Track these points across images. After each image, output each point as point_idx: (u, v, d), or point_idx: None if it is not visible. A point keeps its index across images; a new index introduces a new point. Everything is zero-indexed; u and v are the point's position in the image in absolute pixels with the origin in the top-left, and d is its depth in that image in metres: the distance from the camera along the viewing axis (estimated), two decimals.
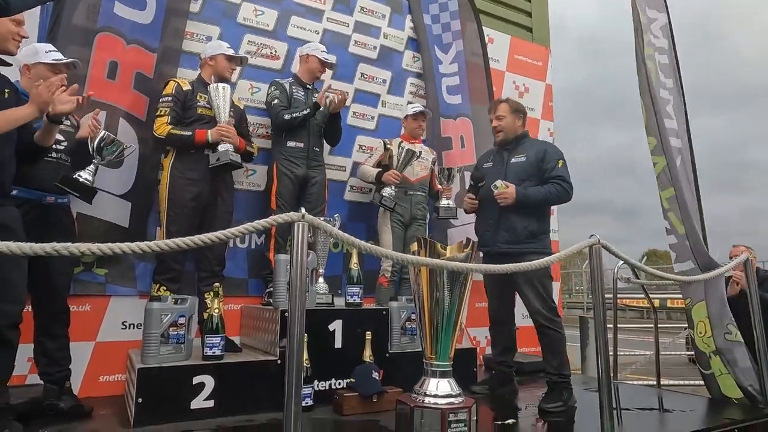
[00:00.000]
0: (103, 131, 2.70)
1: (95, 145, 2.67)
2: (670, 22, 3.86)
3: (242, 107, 3.61)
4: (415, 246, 2.26)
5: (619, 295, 5.36)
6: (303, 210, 1.65)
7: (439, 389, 2.13)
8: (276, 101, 3.67)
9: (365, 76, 4.58)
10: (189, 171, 3.17)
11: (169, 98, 3.21)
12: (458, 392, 2.15)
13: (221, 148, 3.16)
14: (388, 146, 4.03)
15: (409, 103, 4.41)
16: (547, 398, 2.95)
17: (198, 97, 3.27)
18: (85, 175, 2.63)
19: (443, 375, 2.16)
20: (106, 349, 3.19)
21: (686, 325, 4.00)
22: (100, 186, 3.17)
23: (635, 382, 5.05)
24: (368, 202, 4.30)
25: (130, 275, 3.33)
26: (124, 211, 3.29)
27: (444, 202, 4.01)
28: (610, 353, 3.21)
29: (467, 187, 3.82)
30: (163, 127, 3.15)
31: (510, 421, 2.67)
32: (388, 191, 3.83)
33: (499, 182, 3.08)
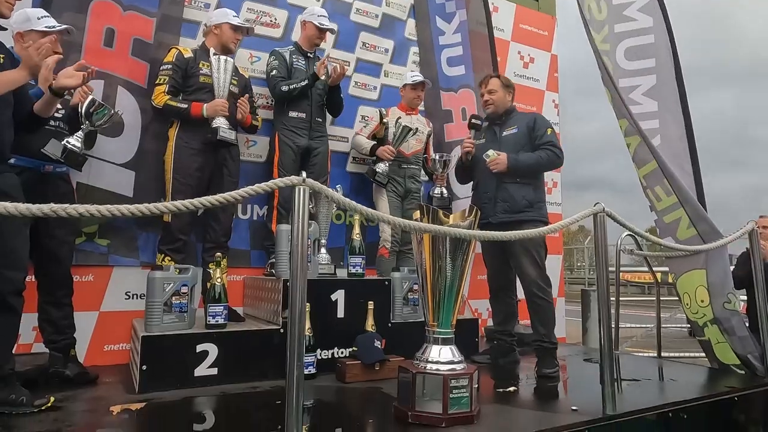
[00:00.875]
0: (90, 96, 2.62)
1: (83, 111, 2.60)
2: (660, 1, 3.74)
3: (248, 76, 3.55)
4: (417, 214, 2.24)
5: (621, 269, 5.36)
6: (304, 174, 1.62)
7: (441, 356, 2.13)
8: (274, 72, 3.61)
9: (367, 45, 4.49)
10: (194, 141, 3.14)
11: (169, 66, 3.16)
12: (460, 359, 2.15)
13: (214, 124, 3.11)
14: (385, 117, 3.95)
15: (411, 72, 4.30)
16: (543, 364, 3.01)
17: (200, 65, 3.21)
18: (72, 142, 2.57)
19: (445, 342, 2.16)
20: (110, 318, 3.22)
21: None
22: (101, 155, 3.16)
23: (636, 353, 5.09)
24: None
25: (132, 246, 3.33)
26: (127, 180, 3.27)
27: (437, 190, 3.97)
28: (612, 325, 3.24)
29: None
30: (160, 96, 3.10)
31: (511, 388, 2.70)
32: (381, 167, 3.78)
33: (490, 152, 3.13)
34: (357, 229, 3.30)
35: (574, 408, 2.28)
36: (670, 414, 2.39)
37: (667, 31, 3.65)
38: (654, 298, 4.48)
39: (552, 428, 2.04)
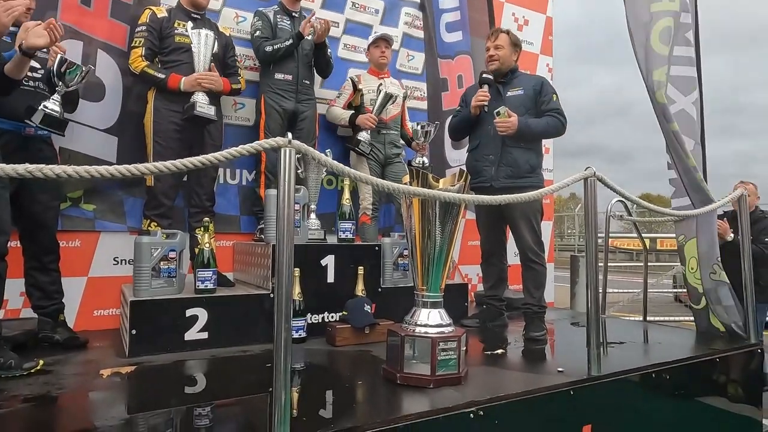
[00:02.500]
0: (60, 55, 2.47)
1: (55, 71, 2.47)
2: None
3: (229, 34, 3.43)
4: (407, 177, 2.21)
5: (610, 236, 5.40)
6: (290, 135, 1.58)
7: (430, 319, 2.14)
8: (258, 32, 3.49)
9: (357, 5, 4.35)
10: (173, 103, 3.05)
11: (144, 28, 3.04)
12: (448, 322, 2.17)
13: (192, 98, 3.01)
14: (358, 85, 3.84)
15: (375, 33, 4.09)
16: (532, 327, 3.06)
17: (176, 25, 3.09)
18: (50, 106, 2.44)
19: (434, 306, 2.17)
20: (99, 284, 3.21)
21: (675, 265, 4.07)
22: (83, 121, 3.08)
23: (622, 317, 5.19)
24: None
25: (119, 211, 3.28)
26: (111, 146, 3.21)
27: (419, 159, 3.90)
28: (600, 290, 3.27)
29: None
30: (138, 61, 3.00)
31: (499, 351, 2.74)
32: (364, 135, 3.68)
33: (502, 109, 3.00)
34: (347, 194, 3.28)
35: (560, 369, 2.32)
36: (653, 375, 2.45)
37: None
38: (642, 264, 4.55)
39: (537, 388, 2.07)
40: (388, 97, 3.70)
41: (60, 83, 2.49)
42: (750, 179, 3.49)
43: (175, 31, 3.08)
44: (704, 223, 3.23)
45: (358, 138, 3.68)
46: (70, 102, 2.70)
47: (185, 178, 3.26)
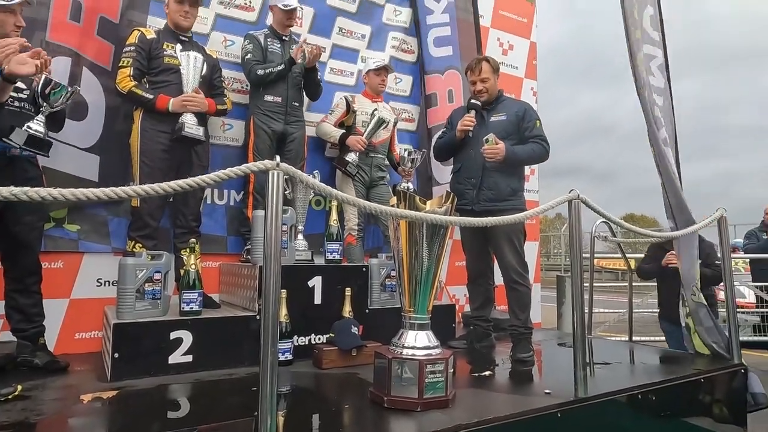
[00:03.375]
0: (44, 76, 2.45)
1: (39, 91, 2.46)
2: None
3: (216, 56, 3.46)
4: (394, 199, 2.23)
5: (596, 256, 5.46)
6: (278, 158, 1.59)
7: (417, 341, 2.14)
8: (249, 55, 3.54)
9: (344, 30, 4.43)
10: (161, 123, 3.04)
11: (132, 48, 3.05)
12: (436, 344, 2.17)
13: (181, 119, 3.02)
14: (352, 106, 3.89)
15: (373, 58, 4.21)
16: (518, 349, 3.06)
17: (164, 46, 3.11)
18: (34, 126, 2.42)
19: (421, 327, 2.17)
20: (82, 306, 3.15)
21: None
22: (65, 139, 3.06)
23: (608, 338, 5.22)
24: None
25: (103, 231, 3.25)
26: (92, 165, 3.19)
27: (404, 185, 3.94)
28: (586, 310, 3.30)
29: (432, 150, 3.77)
30: (125, 81, 2.99)
31: (487, 372, 2.73)
32: (352, 157, 3.72)
33: (490, 136, 3.05)
34: (334, 216, 3.29)
35: (547, 391, 2.32)
36: (639, 396, 2.46)
37: (660, 20, 3.64)
38: (627, 284, 4.60)
39: (525, 411, 2.07)
40: (381, 123, 3.76)
41: (44, 104, 2.48)
42: (732, 198, 3.58)
43: (164, 53, 3.10)
44: (686, 245, 3.29)
45: (346, 159, 3.71)
46: (55, 122, 2.69)
47: (171, 199, 3.25)
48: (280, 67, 3.49)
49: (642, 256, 4.41)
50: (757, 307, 6.25)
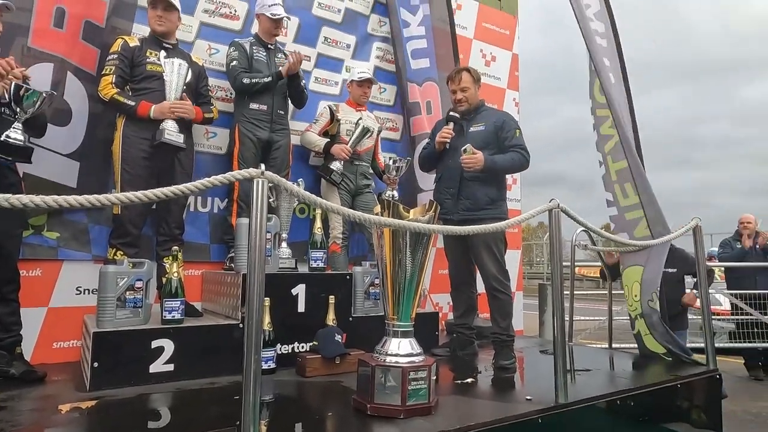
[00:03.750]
0: (14, 82, 2.42)
1: (12, 97, 2.43)
2: (608, 6, 3.88)
3: (201, 64, 3.46)
4: (378, 208, 2.25)
5: (577, 264, 5.55)
6: (263, 166, 1.60)
7: (401, 349, 2.15)
8: (235, 63, 3.54)
9: (329, 40, 4.46)
10: (143, 130, 3.03)
11: (115, 56, 3.04)
12: (419, 351, 2.18)
13: (161, 126, 3.01)
14: (336, 115, 3.90)
15: (359, 69, 4.23)
16: (501, 356, 3.09)
17: (148, 54, 3.10)
18: (12, 135, 2.39)
19: (405, 335, 2.19)
20: (60, 314, 3.10)
21: None
22: (46, 145, 3.03)
23: (589, 345, 5.29)
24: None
25: (83, 239, 3.21)
26: (72, 171, 3.15)
27: (388, 193, 3.97)
28: (566, 318, 3.35)
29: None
30: (108, 88, 2.98)
31: (469, 379, 2.75)
32: (336, 165, 3.75)
33: (468, 147, 3.08)
34: (318, 224, 3.30)
35: (528, 398, 2.35)
36: (618, 402, 2.51)
37: (614, 36, 3.79)
38: (606, 292, 4.68)
39: (506, 417, 2.09)
40: (365, 131, 3.79)
41: (18, 109, 2.45)
42: (707, 208, 3.72)
43: (147, 60, 3.09)
44: (656, 254, 3.41)
45: (331, 167, 3.73)
46: (36, 127, 2.66)
47: (154, 206, 3.23)
48: (267, 80, 3.49)
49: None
50: (732, 314, 6.39)
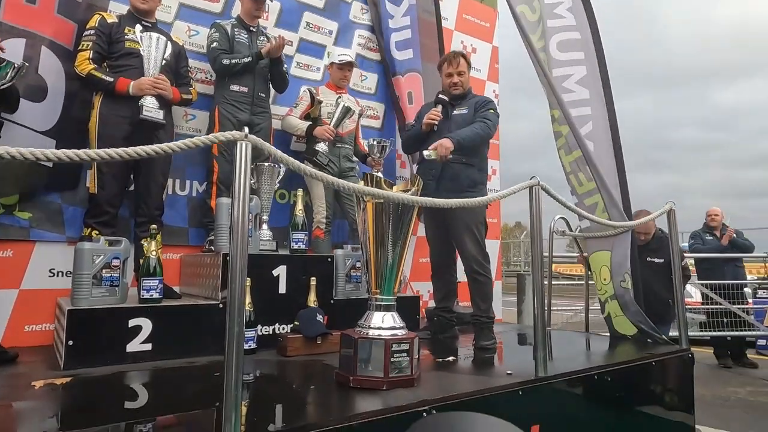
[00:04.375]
0: None
1: None
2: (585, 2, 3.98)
3: (182, 44, 3.40)
4: (361, 183, 2.25)
5: (553, 260, 5.63)
6: (246, 129, 1.59)
7: (384, 322, 2.15)
8: (215, 44, 3.50)
9: (311, 25, 4.44)
10: (121, 108, 2.95)
11: (92, 32, 2.97)
12: (402, 325, 2.19)
13: (140, 102, 2.94)
14: (317, 97, 3.87)
15: (339, 51, 4.23)
16: (481, 337, 3.11)
17: (126, 30, 3.04)
18: None
19: (387, 309, 2.19)
20: (32, 297, 3.01)
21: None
22: (21, 121, 2.94)
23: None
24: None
25: (57, 220, 3.12)
26: (48, 149, 3.05)
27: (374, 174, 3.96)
28: (545, 299, 3.40)
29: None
30: (84, 64, 2.91)
31: (450, 358, 2.77)
32: (322, 146, 3.71)
33: (425, 152, 3.06)
34: (300, 206, 3.28)
35: (508, 372, 2.38)
36: (596, 377, 2.55)
37: (590, 26, 3.87)
38: (581, 284, 4.77)
39: (488, 388, 2.12)
40: (346, 110, 3.77)
41: None
42: (679, 211, 3.76)
43: (126, 37, 3.02)
44: (621, 237, 3.52)
45: (316, 149, 3.70)
46: (8, 101, 2.58)
47: (131, 187, 3.16)
48: (246, 59, 3.46)
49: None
50: (703, 304, 6.59)
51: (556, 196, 2.53)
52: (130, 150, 1.37)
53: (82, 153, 1.29)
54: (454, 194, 3.14)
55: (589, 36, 3.91)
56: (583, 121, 3.65)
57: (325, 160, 3.69)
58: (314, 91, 3.90)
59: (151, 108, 2.94)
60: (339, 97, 3.88)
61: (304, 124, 3.82)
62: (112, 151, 1.34)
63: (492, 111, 3.26)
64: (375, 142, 3.89)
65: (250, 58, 3.46)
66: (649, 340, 3.35)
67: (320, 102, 3.81)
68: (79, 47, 2.97)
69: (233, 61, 3.44)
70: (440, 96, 3.34)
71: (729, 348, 6.54)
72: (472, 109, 3.26)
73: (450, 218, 3.18)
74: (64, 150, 1.28)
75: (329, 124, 3.75)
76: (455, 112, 3.30)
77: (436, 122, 3.25)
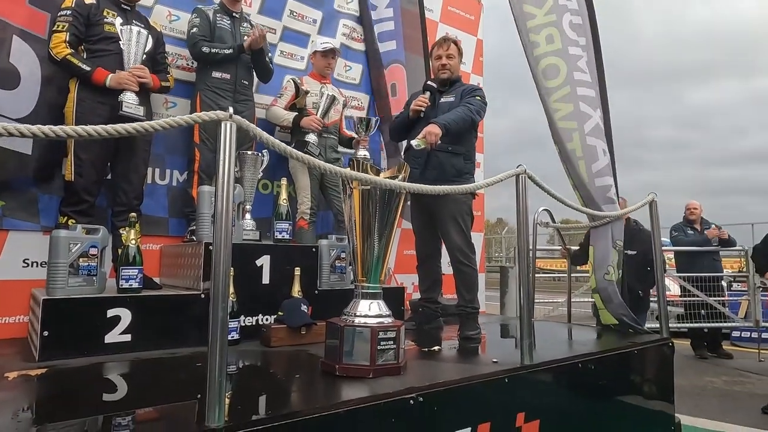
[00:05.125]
0: None
1: None
2: None
3: (159, 29, 3.31)
4: (348, 169, 2.21)
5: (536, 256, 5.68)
6: (231, 109, 1.54)
7: (370, 310, 2.13)
8: (195, 29, 3.42)
9: (294, 13, 4.38)
10: (99, 93, 2.86)
11: (69, 12, 2.86)
12: (388, 313, 2.17)
13: (120, 97, 2.86)
14: (301, 87, 3.83)
15: (322, 39, 4.18)
16: (466, 327, 3.11)
17: (105, 13, 2.94)
18: None
19: (373, 297, 2.17)
20: (5, 288, 2.91)
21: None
22: None
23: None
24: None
25: (32, 209, 3.02)
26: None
27: (361, 152, 3.90)
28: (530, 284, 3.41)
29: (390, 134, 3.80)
30: (61, 47, 2.80)
31: (436, 347, 2.76)
32: (312, 138, 3.67)
33: (413, 142, 3.00)
34: (284, 195, 3.23)
35: (494, 360, 2.38)
36: (580, 365, 2.57)
37: (588, 15, 3.86)
38: (564, 276, 4.83)
39: (474, 376, 2.11)
40: (332, 99, 3.73)
41: None
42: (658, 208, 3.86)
43: (105, 20, 2.93)
44: (600, 232, 3.55)
45: (306, 140, 3.65)
46: None
47: (109, 176, 3.08)
48: (228, 51, 3.39)
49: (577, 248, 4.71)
50: (681, 296, 6.71)
51: (542, 184, 2.53)
52: (109, 127, 1.32)
53: (58, 129, 1.24)
54: (439, 183, 3.12)
55: (587, 23, 3.89)
56: (594, 104, 3.63)
57: (316, 151, 3.66)
58: (298, 81, 3.85)
59: (131, 104, 2.86)
60: (323, 87, 3.83)
61: (291, 115, 3.76)
62: (91, 128, 1.29)
63: (479, 98, 3.23)
64: (359, 119, 3.83)
65: (231, 51, 3.39)
66: (630, 330, 3.39)
67: (306, 92, 3.76)
68: (55, 27, 2.85)
69: (213, 50, 3.37)
70: (429, 83, 3.31)
71: (705, 339, 6.69)
72: (459, 96, 3.24)
73: (435, 208, 3.17)
74: (39, 126, 1.22)
75: (316, 115, 3.70)
76: (442, 99, 3.28)
77: (423, 108, 3.22)
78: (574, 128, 3.56)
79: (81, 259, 2.47)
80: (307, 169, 3.71)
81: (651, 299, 4.75)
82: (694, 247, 6.62)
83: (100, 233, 2.58)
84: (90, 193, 2.87)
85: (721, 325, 6.70)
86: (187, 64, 3.70)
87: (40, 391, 1.94)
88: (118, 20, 2.97)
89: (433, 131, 2.96)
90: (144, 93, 3.01)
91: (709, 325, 6.57)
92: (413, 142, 3.01)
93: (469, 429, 1.99)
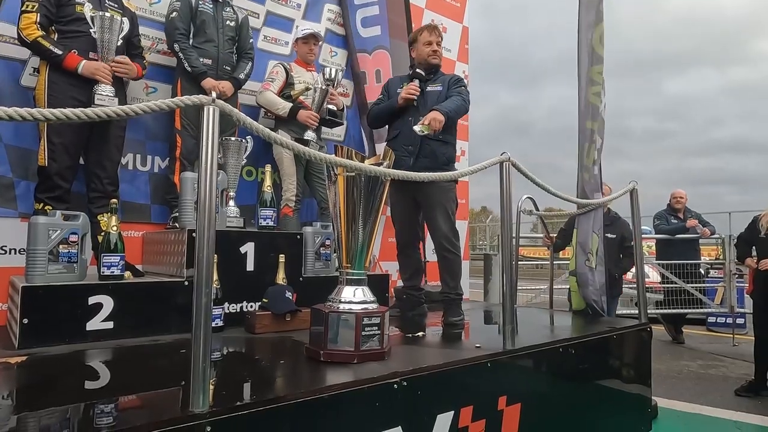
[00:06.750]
0: None
1: None
2: None
3: (134, 10, 3.21)
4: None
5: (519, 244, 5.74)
6: (214, 93, 1.52)
7: (355, 296, 2.14)
8: (174, 14, 3.33)
9: None
10: (71, 76, 2.77)
11: None
12: (372, 299, 2.18)
13: (93, 89, 2.78)
14: (291, 73, 3.79)
15: (303, 26, 4.12)
16: (450, 313, 3.15)
17: None
18: None
19: (358, 283, 2.17)
20: None
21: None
22: None
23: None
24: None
25: (8, 195, 2.97)
26: None
27: (331, 105, 3.81)
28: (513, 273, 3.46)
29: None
30: (31, 28, 2.69)
31: (420, 333, 2.79)
32: (311, 134, 3.67)
33: (417, 128, 2.98)
34: (268, 182, 3.21)
35: (477, 345, 2.41)
36: (561, 349, 2.62)
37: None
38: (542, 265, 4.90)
39: (458, 360, 2.14)
40: (325, 93, 3.71)
41: None
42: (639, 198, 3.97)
43: (76, 0, 2.84)
44: (583, 218, 3.64)
45: (306, 138, 3.63)
46: None
47: (82, 161, 3.01)
48: (199, 69, 3.33)
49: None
50: (661, 283, 6.84)
51: (525, 172, 2.55)
52: (89, 111, 1.29)
53: (36, 112, 1.21)
54: (431, 171, 3.13)
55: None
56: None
57: (316, 147, 3.63)
58: (288, 67, 3.81)
59: (104, 97, 2.78)
60: (315, 82, 3.79)
61: (286, 104, 3.70)
62: (70, 111, 1.26)
63: (464, 88, 3.27)
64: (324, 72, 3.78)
65: (204, 71, 3.33)
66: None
67: (307, 88, 3.72)
68: (24, 7, 2.73)
69: (188, 54, 3.31)
70: (417, 71, 3.30)
71: (682, 324, 6.87)
72: (445, 86, 3.25)
73: (422, 195, 3.18)
74: (15, 108, 1.20)
75: (311, 109, 3.67)
76: (429, 88, 3.27)
77: (415, 97, 3.21)
78: (599, 107, 3.61)
79: (61, 246, 2.43)
80: (291, 156, 3.68)
81: (624, 285, 4.87)
82: (676, 234, 6.73)
83: (80, 220, 2.54)
84: (64, 178, 2.80)
85: (698, 311, 6.86)
86: (167, 49, 3.62)
87: (21, 378, 1.92)
88: (88, 6, 2.85)
89: (438, 118, 2.97)
90: (118, 80, 2.94)
91: (685, 311, 6.73)
92: (416, 128, 3.00)
93: (452, 412, 2.02)
